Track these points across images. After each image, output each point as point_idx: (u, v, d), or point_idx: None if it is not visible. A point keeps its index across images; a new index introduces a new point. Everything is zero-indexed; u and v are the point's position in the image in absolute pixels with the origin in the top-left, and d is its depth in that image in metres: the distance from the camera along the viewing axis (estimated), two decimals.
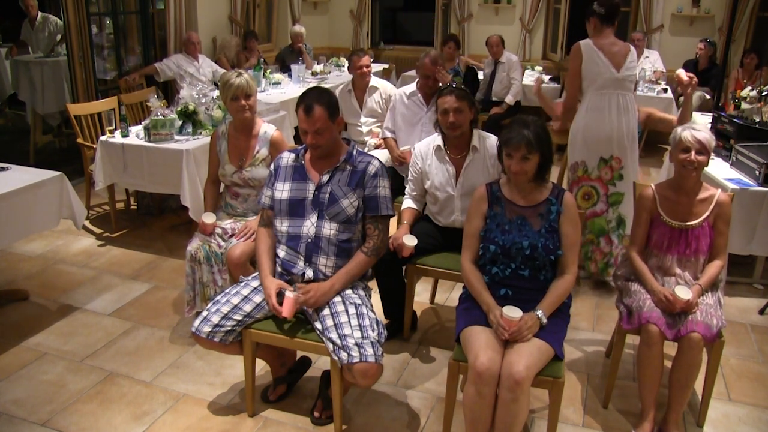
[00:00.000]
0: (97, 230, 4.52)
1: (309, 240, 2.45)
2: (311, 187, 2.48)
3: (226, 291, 2.50)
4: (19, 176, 3.27)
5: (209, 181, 3.25)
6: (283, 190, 2.51)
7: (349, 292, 2.46)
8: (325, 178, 2.47)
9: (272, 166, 2.60)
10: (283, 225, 2.50)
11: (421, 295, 3.55)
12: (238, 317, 2.41)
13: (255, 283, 2.51)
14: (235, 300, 2.44)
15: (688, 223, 2.59)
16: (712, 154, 4.06)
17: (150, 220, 4.70)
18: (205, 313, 2.41)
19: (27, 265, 3.95)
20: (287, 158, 2.57)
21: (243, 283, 2.53)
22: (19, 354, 3.02)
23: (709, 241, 2.59)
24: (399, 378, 2.90)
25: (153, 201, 4.76)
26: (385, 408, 2.69)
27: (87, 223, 4.57)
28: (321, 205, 2.45)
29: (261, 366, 2.79)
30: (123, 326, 3.27)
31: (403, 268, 3.07)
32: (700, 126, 2.60)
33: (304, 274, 2.46)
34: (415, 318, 3.30)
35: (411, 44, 9.30)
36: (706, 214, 2.59)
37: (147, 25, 6.28)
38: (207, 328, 2.37)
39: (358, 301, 2.42)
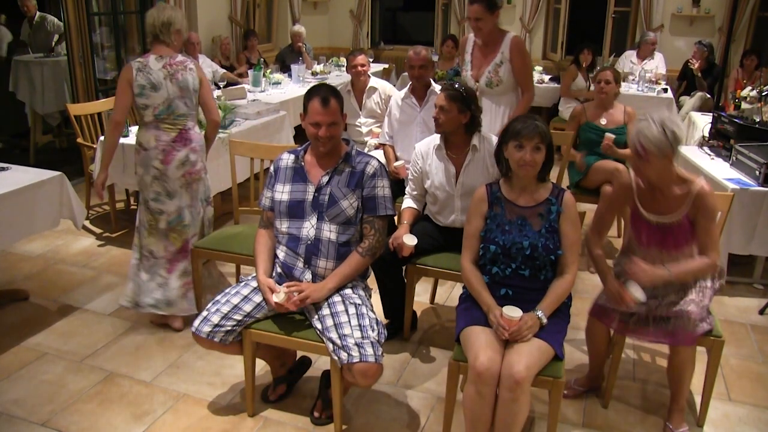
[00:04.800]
0: (97, 230, 4.52)
1: (309, 242, 2.45)
2: (311, 189, 2.48)
3: (226, 291, 2.50)
4: (19, 176, 3.27)
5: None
6: (282, 192, 2.51)
7: (349, 291, 2.46)
8: (325, 179, 2.47)
9: (272, 168, 2.60)
10: (282, 226, 2.50)
11: (421, 295, 3.55)
12: (238, 317, 2.41)
13: (255, 283, 2.51)
14: (235, 300, 2.44)
15: (664, 220, 2.42)
16: (712, 154, 4.10)
17: None
18: (204, 313, 2.41)
19: (27, 265, 3.95)
20: (287, 159, 2.57)
21: (243, 283, 2.53)
22: (19, 354, 3.02)
23: (691, 238, 2.41)
24: (399, 378, 2.90)
25: None
26: (385, 408, 2.69)
27: (87, 223, 4.58)
28: (321, 206, 2.45)
29: (261, 366, 2.79)
30: (123, 326, 3.27)
31: (403, 268, 3.08)
32: (661, 119, 2.31)
33: (303, 276, 2.46)
34: (415, 318, 3.30)
35: (411, 44, 9.24)
36: (684, 209, 2.38)
37: None
38: (207, 328, 2.37)
39: (358, 301, 2.42)
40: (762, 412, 2.73)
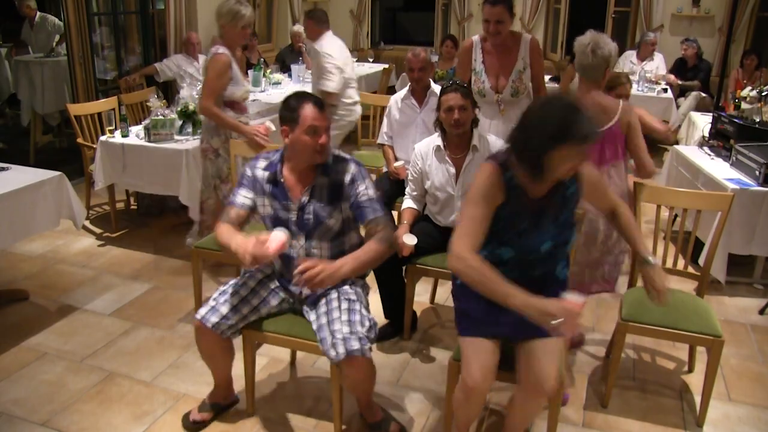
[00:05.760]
0: (98, 230, 4.52)
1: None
2: (293, 207, 2.37)
3: (232, 282, 2.45)
4: (19, 176, 3.27)
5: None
6: (264, 205, 2.41)
7: (346, 287, 2.40)
8: (305, 198, 2.36)
9: (247, 171, 2.44)
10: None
11: (421, 295, 3.55)
12: (245, 310, 2.38)
13: (260, 275, 2.47)
14: (243, 291, 2.40)
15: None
16: (712, 154, 4.10)
17: (150, 220, 4.70)
18: (212, 303, 2.36)
19: (27, 265, 3.95)
20: (263, 174, 2.40)
21: (248, 275, 2.47)
22: (19, 354, 3.02)
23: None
24: (399, 378, 2.90)
25: (153, 201, 4.76)
26: (385, 408, 2.69)
27: (87, 223, 4.58)
28: (306, 226, 2.37)
29: (261, 366, 2.79)
30: (123, 326, 3.27)
31: (403, 268, 3.08)
32: None
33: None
34: (415, 318, 3.30)
35: (411, 44, 9.28)
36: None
37: (147, 25, 6.28)
38: (215, 318, 2.32)
39: (353, 297, 2.37)
40: (762, 412, 2.74)
